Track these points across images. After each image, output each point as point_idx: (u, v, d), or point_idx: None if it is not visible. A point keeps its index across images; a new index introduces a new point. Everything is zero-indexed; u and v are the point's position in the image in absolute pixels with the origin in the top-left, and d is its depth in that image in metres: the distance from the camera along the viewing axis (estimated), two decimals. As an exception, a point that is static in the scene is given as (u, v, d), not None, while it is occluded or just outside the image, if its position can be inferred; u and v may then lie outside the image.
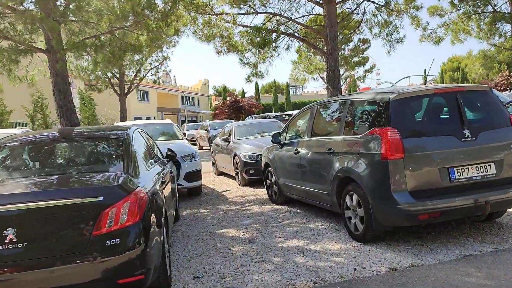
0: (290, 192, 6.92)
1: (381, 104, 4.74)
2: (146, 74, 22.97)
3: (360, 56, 31.08)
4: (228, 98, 40.47)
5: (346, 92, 50.86)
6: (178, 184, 8.25)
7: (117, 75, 21.69)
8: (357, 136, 4.99)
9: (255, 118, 29.05)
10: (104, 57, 9.68)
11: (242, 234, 5.75)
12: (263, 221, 6.41)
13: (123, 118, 22.48)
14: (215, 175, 12.64)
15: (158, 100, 57.68)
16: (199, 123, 27.90)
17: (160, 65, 23.19)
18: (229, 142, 10.88)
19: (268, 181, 7.82)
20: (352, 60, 30.61)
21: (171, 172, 6.20)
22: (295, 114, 7.31)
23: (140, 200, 3.42)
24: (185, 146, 8.89)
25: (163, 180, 4.86)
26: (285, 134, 7.21)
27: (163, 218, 3.92)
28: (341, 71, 31.90)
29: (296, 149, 6.40)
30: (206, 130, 23.57)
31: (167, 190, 4.97)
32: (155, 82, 23.44)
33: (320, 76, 32.09)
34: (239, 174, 9.96)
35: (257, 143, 9.96)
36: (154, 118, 56.06)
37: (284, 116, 27.60)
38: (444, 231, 5.14)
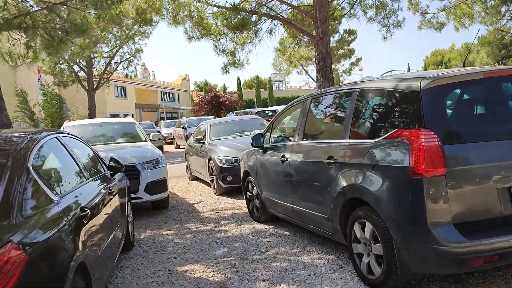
0: (275, 209, 5.44)
1: (407, 94, 3.26)
2: (116, 67, 21.15)
3: (346, 48, 29.73)
4: (207, 94, 38.61)
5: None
6: (137, 198, 6.70)
7: (85, 69, 19.85)
8: (372, 140, 3.50)
9: (236, 115, 27.45)
10: (43, 41, 8.00)
11: (212, 275, 4.22)
12: (241, 250, 4.89)
13: (92, 115, 20.66)
14: (189, 180, 11.08)
15: (137, 96, 55.78)
16: (178, 120, 26.21)
17: (132, 58, 21.45)
18: (204, 143, 9.33)
19: (249, 193, 6.31)
20: (338, 53, 29.22)
21: (120, 188, 4.65)
22: (282, 109, 5.79)
23: (8, 266, 1.88)
24: (146, 151, 7.32)
25: (95, 205, 3.32)
26: (269, 135, 5.71)
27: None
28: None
29: (284, 156, 4.91)
30: (183, 127, 21.91)
31: (101, 220, 3.43)
32: (126, 76, 21.68)
33: (304, 69, 30.66)
34: (214, 182, 8.43)
35: (236, 144, 8.45)
36: (133, 115, 53.90)
37: (267, 111, 26.10)
38: (492, 272, 3.70)
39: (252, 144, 5.68)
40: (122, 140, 7.94)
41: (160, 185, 7.01)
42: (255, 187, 5.97)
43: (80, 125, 8.22)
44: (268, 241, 5.15)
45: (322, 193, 4.09)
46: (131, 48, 21.24)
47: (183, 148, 21.77)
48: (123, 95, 53.66)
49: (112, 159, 4.71)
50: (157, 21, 21.13)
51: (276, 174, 5.22)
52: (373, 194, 3.35)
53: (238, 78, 61.57)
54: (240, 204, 7.36)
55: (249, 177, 6.17)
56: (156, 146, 8.07)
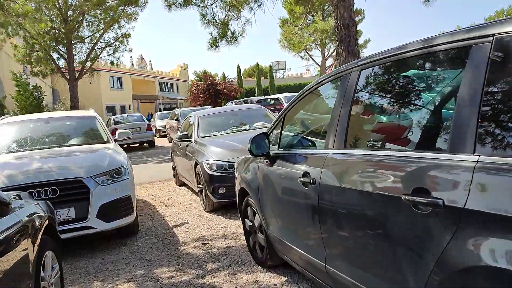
0: (290, 257, 3.30)
1: None
2: (100, 54, 18.93)
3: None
4: (204, 82, 36.16)
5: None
6: (85, 228, 4.61)
7: (65, 56, 17.63)
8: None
9: (235, 104, 25.23)
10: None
11: None
12: None
13: (74, 107, 18.49)
14: (176, 185, 8.98)
15: (134, 86, 53.79)
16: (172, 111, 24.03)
17: (118, 44, 19.19)
18: (190, 141, 7.20)
19: (248, 222, 4.19)
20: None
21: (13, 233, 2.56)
22: (298, 94, 3.58)
23: None
24: (103, 157, 5.18)
25: None
26: (276, 135, 3.58)
27: None
28: (331, 48, 28.28)
29: (307, 174, 2.76)
30: (176, 119, 19.74)
31: None
32: (112, 63, 19.50)
33: (308, 53, 28.38)
34: (203, 194, 6.31)
35: (231, 144, 6.33)
36: (130, 107, 51.97)
37: (269, 100, 23.86)
38: None
39: (251, 151, 3.52)
40: (76, 141, 5.80)
41: (122, 206, 4.90)
42: (257, 214, 3.86)
43: (19, 122, 6.08)
44: (281, 318, 3.03)
45: (404, 262, 1.94)
46: (117, 33, 19.03)
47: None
48: (119, 86, 51.59)
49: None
50: (146, 0, 18.95)
51: (292, 203, 3.09)
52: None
53: (238, 67, 59.50)
54: (237, 229, 5.26)
55: (248, 198, 4.05)
56: (125, 145, 5.96)
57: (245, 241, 4.40)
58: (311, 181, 2.67)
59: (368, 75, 2.49)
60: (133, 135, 18.49)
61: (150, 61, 60.77)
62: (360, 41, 29.07)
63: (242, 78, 59.47)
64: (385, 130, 2.44)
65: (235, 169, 4.56)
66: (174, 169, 9.16)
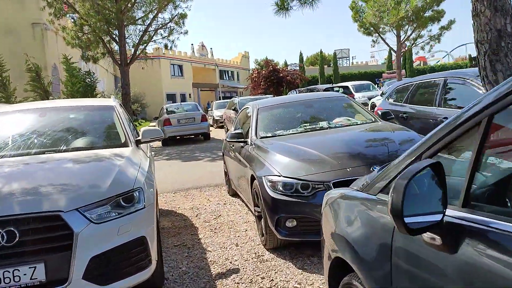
0: None
1: None
2: (153, 35, 17.33)
3: (434, 9, 24.05)
4: (265, 68, 33.86)
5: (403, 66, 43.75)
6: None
7: (116, 39, 16.27)
8: None
9: (299, 92, 22.99)
10: None
11: None
12: None
13: (125, 94, 17.13)
14: (229, 194, 7.07)
15: (194, 75, 53.25)
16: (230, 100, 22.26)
17: (173, 25, 17.56)
18: (246, 142, 5.20)
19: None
20: (424, 15, 23.71)
21: None
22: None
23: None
24: (106, 172, 3.23)
25: None
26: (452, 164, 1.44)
27: None
28: (408, 31, 25.17)
29: None
30: (234, 109, 17.90)
31: None
32: (166, 47, 17.95)
33: (381, 36, 25.34)
34: (262, 223, 4.27)
35: (305, 150, 4.24)
36: (190, 95, 51.31)
37: (337, 88, 21.39)
38: None
39: (395, 208, 1.39)
40: (77, 143, 3.95)
41: (129, 257, 2.98)
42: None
43: (9, 113, 4.33)
44: None
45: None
46: (172, 14, 17.40)
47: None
48: (180, 74, 51.15)
49: None
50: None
51: None
52: None
53: (301, 54, 57.38)
54: (316, 297, 3.19)
55: (353, 281, 1.94)
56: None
57: None
58: None
59: None
60: (186, 126, 17.02)
61: (211, 48, 59.90)
62: (443, 22, 25.57)
63: (305, 66, 57.00)
64: None
65: (324, 204, 2.50)
66: (226, 173, 7.23)
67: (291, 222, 3.83)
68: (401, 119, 6.83)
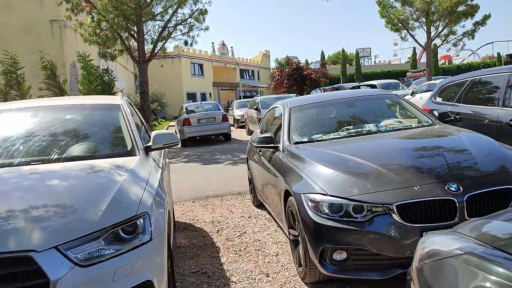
0: None
1: None
2: (172, 31, 16.59)
3: (468, 3, 22.72)
4: (287, 66, 32.71)
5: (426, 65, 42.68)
6: None
7: (134, 35, 15.59)
8: None
9: (324, 91, 22.02)
10: None
11: None
12: None
13: (143, 93, 16.47)
14: (254, 205, 6.26)
15: (214, 74, 52.79)
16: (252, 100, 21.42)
17: (193, 21, 16.82)
18: (277, 148, 4.37)
19: None
20: (457, 9, 22.44)
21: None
22: None
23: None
24: (101, 192, 2.46)
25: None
26: None
27: None
28: (439, 27, 23.91)
29: None
30: (256, 108, 17.07)
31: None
32: (186, 43, 17.24)
33: (410, 33, 24.12)
34: (301, 251, 3.42)
35: (355, 160, 3.37)
36: (210, 95, 50.77)
37: (362, 87, 20.34)
38: None
39: None
40: (73, 151, 3.18)
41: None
42: None
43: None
44: None
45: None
46: (192, 9, 16.68)
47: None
48: (200, 73, 50.70)
49: None
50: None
51: None
52: None
53: (322, 53, 56.16)
54: None
55: None
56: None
57: None
58: None
59: None
60: (207, 126, 16.28)
61: (231, 47, 59.45)
62: (477, 17, 24.10)
63: (326, 65, 55.93)
64: None
65: (420, 257, 1.66)
66: (250, 181, 6.42)
67: (340, 254, 2.99)
68: (453, 121, 5.90)
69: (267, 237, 4.78)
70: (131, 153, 3.23)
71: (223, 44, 57.46)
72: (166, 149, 5.58)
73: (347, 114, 4.66)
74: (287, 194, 3.66)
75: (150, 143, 3.45)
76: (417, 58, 54.75)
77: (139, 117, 4.44)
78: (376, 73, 55.90)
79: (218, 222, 5.61)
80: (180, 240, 5.02)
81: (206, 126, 15.36)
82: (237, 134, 19.22)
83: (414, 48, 56.05)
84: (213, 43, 59.19)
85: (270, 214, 5.47)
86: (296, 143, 4.19)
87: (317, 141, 4.17)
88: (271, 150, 4.52)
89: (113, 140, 3.39)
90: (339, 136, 4.21)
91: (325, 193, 3.08)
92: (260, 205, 6.09)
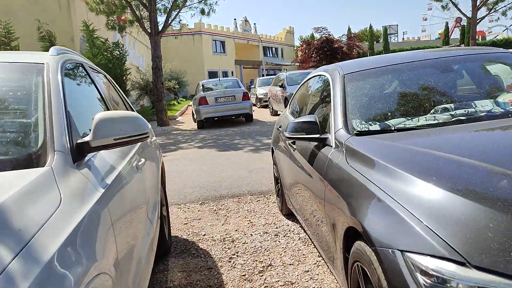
0: None
1: None
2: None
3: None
4: (316, 39, 29.89)
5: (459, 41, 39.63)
6: None
7: (145, 4, 13.79)
8: None
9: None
10: None
11: None
12: None
13: (156, 69, 14.74)
14: (282, 214, 4.57)
15: (236, 51, 51.10)
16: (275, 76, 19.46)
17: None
18: (324, 142, 2.62)
19: None
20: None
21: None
22: None
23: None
24: None
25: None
26: None
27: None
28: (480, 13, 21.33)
29: None
30: (281, 86, 15.22)
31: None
32: (203, 12, 15.37)
33: (453, 2, 21.62)
34: None
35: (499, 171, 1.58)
36: (232, 73, 48.92)
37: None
38: None
39: None
40: None
41: None
42: None
43: None
44: None
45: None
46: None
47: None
48: (222, 51, 48.93)
49: None
50: None
51: None
52: None
53: (349, 29, 53.72)
54: None
55: None
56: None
57: None
58: None
59: None
60: (225, 106, 14.54)
61: (254, 23, 57.32)
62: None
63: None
64: None
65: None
66: (277, 180, 4.71)
67: None
68: None
69: (304, 277, 3.08)
70: (34, 160, 1.54)
71: (246, 21, 55.40)
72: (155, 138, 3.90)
73: (440, 85, 2.83)
74: (350, 232, 1.93)
75: (88, 137, 1.76)
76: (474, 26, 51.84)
77: (118, 93, 2.73)
78: (404, 50, 53.48)
79: (232, 241, 3.95)
80: (174, 274, 3.37)
81: (225, 105, 13.62)
82: (260, 114, 17.47)
83: (447, 22, 53.14)
84: (235, 19, 57.26)
85: (305, 231, 3.77)
86: (360, 133, 2.43)
87: (398, 130, 2.38)
88: (314, 142, 2.78)
89: (4, 132, 1.69)
90: (437, 121, 2.41)
91: (462, 260, 1.32)
92: (289, 214, 4.41)
